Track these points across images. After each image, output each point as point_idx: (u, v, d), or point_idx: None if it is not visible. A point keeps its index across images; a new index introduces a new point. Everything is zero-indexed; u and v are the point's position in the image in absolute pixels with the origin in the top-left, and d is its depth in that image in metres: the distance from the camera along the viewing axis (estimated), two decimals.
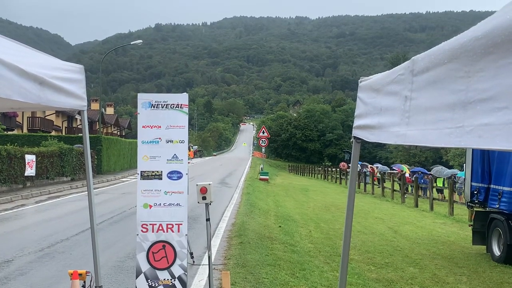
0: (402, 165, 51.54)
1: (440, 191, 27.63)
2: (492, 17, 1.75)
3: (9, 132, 40.99)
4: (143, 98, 6.26)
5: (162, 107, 6.19)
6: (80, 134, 46.05)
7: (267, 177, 38.63)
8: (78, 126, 61.38)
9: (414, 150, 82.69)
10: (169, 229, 6.13)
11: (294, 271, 8.82)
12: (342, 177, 45.27)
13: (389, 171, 45.25)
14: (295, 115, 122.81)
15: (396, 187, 30.80)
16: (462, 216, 19.44)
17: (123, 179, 34.35)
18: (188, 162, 6.42)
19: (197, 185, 6.36)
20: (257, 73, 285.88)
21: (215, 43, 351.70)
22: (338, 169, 51.20)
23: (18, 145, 26.46)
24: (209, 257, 6.53)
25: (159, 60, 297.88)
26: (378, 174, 38.75)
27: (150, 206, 6.12)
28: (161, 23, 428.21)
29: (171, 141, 6.19)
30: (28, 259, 9.64)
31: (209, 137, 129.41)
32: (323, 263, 9.97)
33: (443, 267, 10.43)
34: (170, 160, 6.17)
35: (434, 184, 29.34)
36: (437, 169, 35.69)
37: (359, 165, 39.92)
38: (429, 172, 39.52)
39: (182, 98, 6.31)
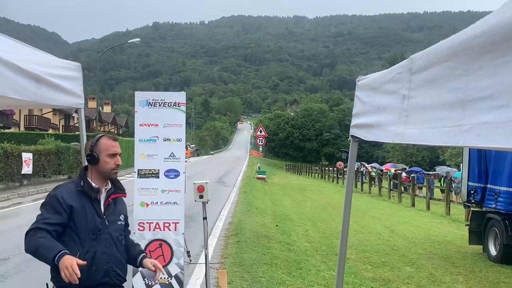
0: (397, 165, 51.75)
1: (443, 191, 27.70)
2: (491, 15, 1.74)
3: (6, 130, 40.91)
4: (140, 96, 6.24)
5: (160, 106, 6.18)
6: (77, 132, 45.99)
7: (264, 176, 38.63)
8: (75, 125, 61.27)
9: (411, 150, 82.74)
10: (166, 228, 6.12)
11: (291, 270, 8.82)
12: (339, 176, 45.28)
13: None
14: (292, 114, 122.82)
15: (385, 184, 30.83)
16: (459, 216, 19.46)
17: (120, 178, 34.30)
18: (185, 161, 6.41)
19: (194, 183, 6.36)
20: (254, 72, 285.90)
21: (213, 42, 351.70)
22: (335, 168, 51.20)
23: (15, 143, 26.42)
24: (206, 256, 6.52)
25: (156, 59, 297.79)
26: (373, 173, 38.83)
27: (147, 205, 6.12)
28: (159, 22, 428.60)
29: (169, 140, 6.17)
30: (25, 257, 9.60)
31: (206, 136, 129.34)
32: (320, 262, 9.97)
33: (440, 266, 10.44)
34: (167, 158, 6.16)
35: (438, 184, 29.48)
36: (441, 168, 36.00)
37: (356, 164, 40.06)
38: (426, 172, 39.75)
39: (180, 96, 6.30)
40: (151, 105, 6.18)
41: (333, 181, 46.94)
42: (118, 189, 3.41)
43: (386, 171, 40.81)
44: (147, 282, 6.07)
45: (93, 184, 3.26)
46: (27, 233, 3.09)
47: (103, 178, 3.31)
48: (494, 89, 1.67)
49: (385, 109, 2.88)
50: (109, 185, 3.36)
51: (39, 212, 3.18)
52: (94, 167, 3.28)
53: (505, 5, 1.67)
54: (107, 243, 3.27)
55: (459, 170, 25.18)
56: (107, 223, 3.27)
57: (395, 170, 41.91)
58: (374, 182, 35.10)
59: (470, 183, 12.48)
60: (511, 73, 1.59)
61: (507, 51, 1.61)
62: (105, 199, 3.32)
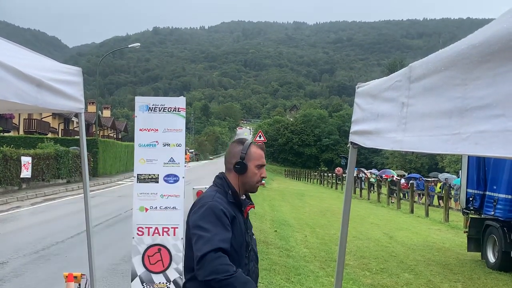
0: (392, 171, 51.83)
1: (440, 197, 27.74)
2: (489, 26, 1.76)
3: (5, 134, 40.90)
4: (140, 101, 6.26)
5: (160, 111, 6.20)
6: (76, 137, 45.99)
7: (263, 181, 38.55)
8: (75, 129, 61.30)
9: (410, 156, 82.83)
10: (165, 233, 6.12)
11: (289, 276, 8.82)
12: (338, 182, 45.27)
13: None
14: (291, 120, 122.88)
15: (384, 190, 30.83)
16: (457, 223, 19.48)
17: (119, 182, 34.30)
18: (185, 166, 6.42)
19: (193, 188, 6.36)
20: (254, 78, 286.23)
21: (213, 47, 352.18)
22: (334, 174, 51.19)
23: (14, 146, 26.41)
24: None
25: (156, 64, 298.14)
26: (371, 179, 38.87)
27: (146, 209, 6.12)
28: (159, 27, 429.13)
29: (168, 145, 6.19)
30: (23, 261, 9.62)
31: (205, 141, 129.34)
32: (318, 268, 9.97)
33: (438, 273, 10.44)
34: (167, 163, 6.17)
35: (439, 190, 29.56)
36: (442, 174, 36.08)
37: (355, 170, 40.14)
38: (425, 178, 39.83)
39: (180, 101, 6.32)
40: (151, 110, 6.20)
41: (331, 187, 46.93)
42: (250, 200, 3.05)
43: (385, 177, 40.86)
44: (145, 287, 6.06)
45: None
46: (203, 256, 2.57)
47: (243, 189, 2.95)
48: (492, 99, 1.69)
49: (384, 117, 2.90)
50: (244, 196, 3.01)
51: (201, 227, 2.69)
52: (240, 177, 2.90)
53: (502, 16, 1.69)
54: (253, 260, 2.97)
55: (458, 177, 25.23)
56: (250, 238, 2.95)
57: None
58: (373, 188, 35.11)
59: (469, 190, 12.50)
60: (508, 83, 1.61)
61: (504, 62, 1.63)
62: (243, 211, 2.95)
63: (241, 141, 3.01)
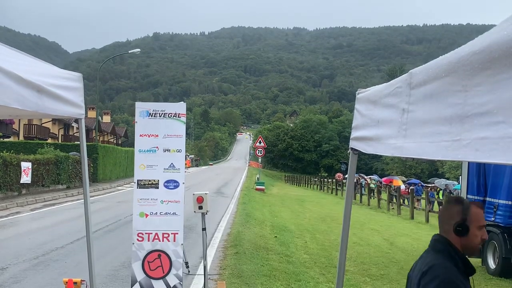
0: (397, 177, 51.79)
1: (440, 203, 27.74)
2: (490, 33, 1.77)
3: (5, 139, 40.90)
4: (141, 107, 6.27)
5: (160, 116, 6.21)
6: (76, 142, 45.98)
7: (263, 187, 38.56)
8: (75, 134, 61.32)
9: (410, 162, 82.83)
10: (165, 238, 6.12)
11: (290, 282, 8.80)
12: (338, 188, 45.22)
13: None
14: (291, 125, 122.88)
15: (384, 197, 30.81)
16: None
17: (119, 188, 34.26)
18: (185, 171, 6.42)
19: (193, 194, 6.36)
20: (254, 83, 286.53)
21: (213, 53, 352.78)
22: (334, 180, 51.13)
23: (14, 152, 26.40)
24: (205, 267, 6.52)
25: (156, 69, 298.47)
26: (371, 185, 38.86)
27: (146, 215, 6.12)
28: (159, 32, 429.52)
29: (168, 150, 6.19)
30: (23, 267, 9.60)
31: (205, 146, 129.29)
32: (318, 274, 9.94)
33: None
34: (167, 169, 6.18)
35: (436, 196, 29.60)
36: (439, 180, 36.05)
37: (356, 176, 40.23)
38: (425, 184, 39.82)
39: (180, 107, 6.33)
40: (151, 116, 6.21)
41: (332, 193, 46.87)
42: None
43: (385, 183, 40.88)
44: None
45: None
46: None
47: (464, 252, 2.73)
48: (492, 105, 1.69)
49: (385, 123, 2.90)
50: None
51: None
52: (461, 239, 2.66)
53: (503, 23, 1.70)
54: None
55: (459, 183, 25.22)
56: None
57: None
58: (373, 194, 35.09)
59: (469, 196, 12.48)
60: (508, 90, 1.61)
61: (504, 68, 1.63)
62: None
63: (460, 201, 2.72)
